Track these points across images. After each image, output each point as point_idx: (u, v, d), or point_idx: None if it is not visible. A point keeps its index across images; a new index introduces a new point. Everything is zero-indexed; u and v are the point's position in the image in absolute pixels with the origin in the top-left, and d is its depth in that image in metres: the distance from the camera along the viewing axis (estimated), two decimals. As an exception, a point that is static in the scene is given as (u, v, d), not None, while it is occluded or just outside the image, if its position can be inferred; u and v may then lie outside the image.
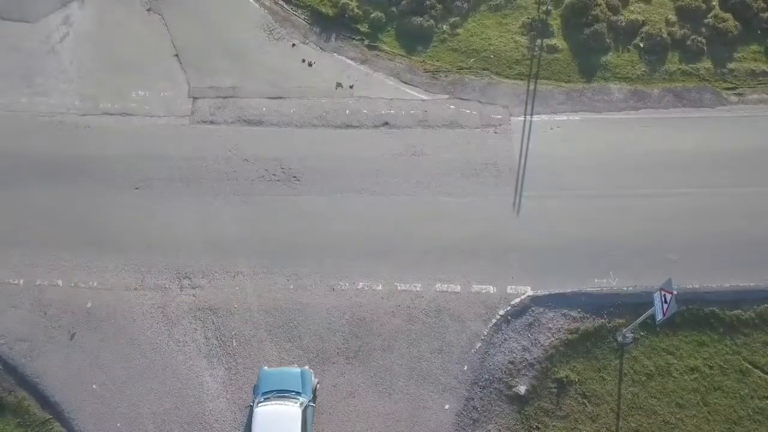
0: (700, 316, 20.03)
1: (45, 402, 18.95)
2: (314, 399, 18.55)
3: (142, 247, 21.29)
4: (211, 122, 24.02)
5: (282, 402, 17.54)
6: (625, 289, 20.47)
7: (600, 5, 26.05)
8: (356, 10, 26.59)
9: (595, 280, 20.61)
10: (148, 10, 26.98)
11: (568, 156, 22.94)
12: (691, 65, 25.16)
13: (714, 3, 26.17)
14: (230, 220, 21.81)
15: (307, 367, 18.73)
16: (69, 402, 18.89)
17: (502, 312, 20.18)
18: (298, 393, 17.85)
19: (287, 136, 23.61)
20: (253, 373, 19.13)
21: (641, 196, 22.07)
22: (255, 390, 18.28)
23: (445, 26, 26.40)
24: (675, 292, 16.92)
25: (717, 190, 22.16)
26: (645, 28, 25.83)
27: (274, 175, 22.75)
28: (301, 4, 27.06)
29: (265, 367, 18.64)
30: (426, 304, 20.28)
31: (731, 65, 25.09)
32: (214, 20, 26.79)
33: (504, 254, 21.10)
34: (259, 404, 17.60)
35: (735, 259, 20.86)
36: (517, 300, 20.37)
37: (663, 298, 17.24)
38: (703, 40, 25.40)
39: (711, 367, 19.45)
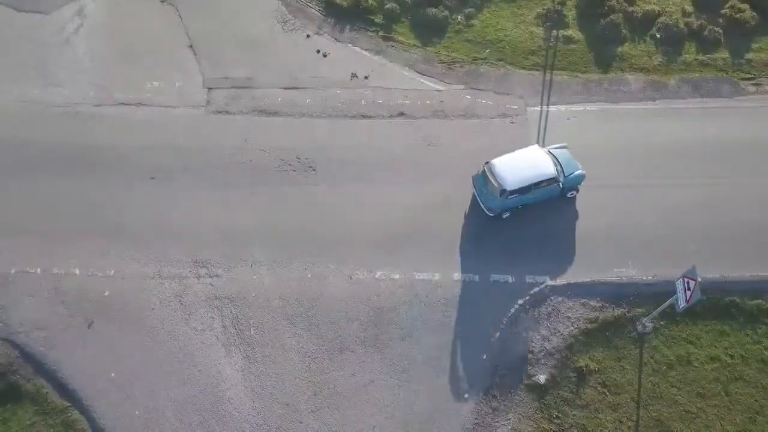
0: (720, 305, 19.88)
1: (63, 390, 18.82)
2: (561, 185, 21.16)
3: (158, 237, 21.22)
4: (227, 112, 23.97)
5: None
6: (644, 278, 20.34)
7: (616, -4, 26.02)
8: (371, 1, 26.52)
9: (614, 270, 20.48)
10: (162, 1, 27.01)
11: (584, 146, 22.73)
12: (708, 56, 25.07)
13: (731, -7, 26.11)
14: (246, 209, 21.73)
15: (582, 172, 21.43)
16: (87, 390, 18.78)
17: (520, 301, 20.06)
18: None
19: (303, 127, 23.55)
20: (271, 360, 19.13)
21: (659, 186, 21.94)
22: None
23: (459, 17, 26.34)
24: (699, 280, 16.79)
25: (735, 180, 22.02)
26: (661, 19, 25.76)
27: (290, 165, 22.67)
28: (315, -5, 27.08)
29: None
30: (444, 293, 20.17)
31: (749, 56, 24.99)
32: (228, 11, 26.81)
33: (522, 244, 20.96)
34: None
35: (755, 248, 20.71)
36: (536, 289, 20.25)
37: (686, 285, 17.10)
38: (720, 31, 25.32)
39: (732, 357, 19.30)
